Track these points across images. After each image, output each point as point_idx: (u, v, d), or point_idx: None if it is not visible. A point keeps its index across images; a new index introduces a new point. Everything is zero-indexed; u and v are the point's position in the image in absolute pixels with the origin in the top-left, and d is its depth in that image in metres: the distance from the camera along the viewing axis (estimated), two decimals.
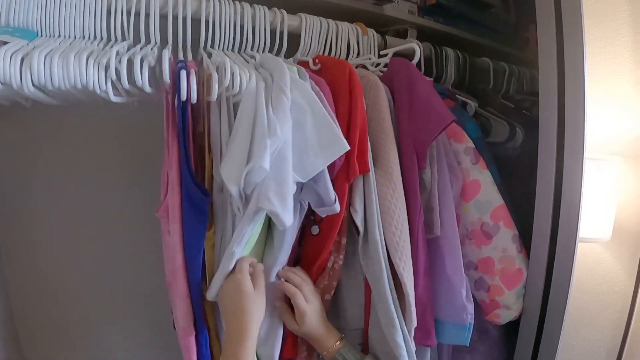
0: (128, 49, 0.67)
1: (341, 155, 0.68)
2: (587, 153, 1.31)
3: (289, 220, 0.63)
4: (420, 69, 0.97)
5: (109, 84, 0.61)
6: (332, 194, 0.70)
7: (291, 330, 0.74)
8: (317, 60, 0.82)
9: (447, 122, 0.75)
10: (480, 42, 1.16)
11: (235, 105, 0.68)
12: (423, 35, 1.07)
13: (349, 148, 0.68)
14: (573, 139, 0.87)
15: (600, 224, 1.32)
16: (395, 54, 0.91)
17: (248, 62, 0.76)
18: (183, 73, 0.61)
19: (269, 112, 0.63)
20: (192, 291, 0.67)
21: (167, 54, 0.64)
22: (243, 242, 0.65)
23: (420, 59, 0.93)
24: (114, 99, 0.63)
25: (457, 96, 0.95)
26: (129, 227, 1.08)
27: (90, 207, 1.08)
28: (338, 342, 0.73)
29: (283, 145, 0.63)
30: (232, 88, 0.65)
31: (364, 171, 0.74)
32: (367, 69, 0.89)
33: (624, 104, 1.42)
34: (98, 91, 0.61)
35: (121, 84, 0.62)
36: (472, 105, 0.95)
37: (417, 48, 0.92)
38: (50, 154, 1.03)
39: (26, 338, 1.08)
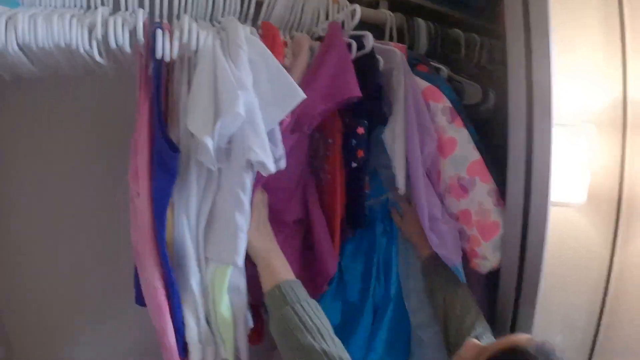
0: (110, 14, 0.69)
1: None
2: (560, 120, 1.37)
3: (272, 167, 0.67)
4: (392, 38, 1.00)
5: (94, 44, 0.63)
6: (282, 148, 0.72)
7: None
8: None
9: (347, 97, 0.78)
10: (453, 14, 1.19)
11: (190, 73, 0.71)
12: (396, 6, 1.10)
13: (305, 96, 0.70)
14: (541, 105, 0.91)
15: (574, 189, 1.37)
16: (367, 23, 0.94)
17: (213, 27, 0.78)
18: (159, 32, 0.62)
19: (231, 66, 0.64)
20: (161, 249, 0.69)
21: (141, 15, 0.66)
22: (248, 194, 0.68)
23: (392, 27, 0.96)
24: (98, 58, 0.65)
25: (433, 64, 0.98)
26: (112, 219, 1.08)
27: (72, 201, 1.08)
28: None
29: (250, 98, 0.65)
30: (190, 44, 0.68)
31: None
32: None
33: (596, 75, 1.49)
34: (82, 51, 0.62)
35: (107, 44, 0.64)
36: (445, 70, 0.98)
37: (388, 17, 0.94)
38: (27, 144, 1.03)
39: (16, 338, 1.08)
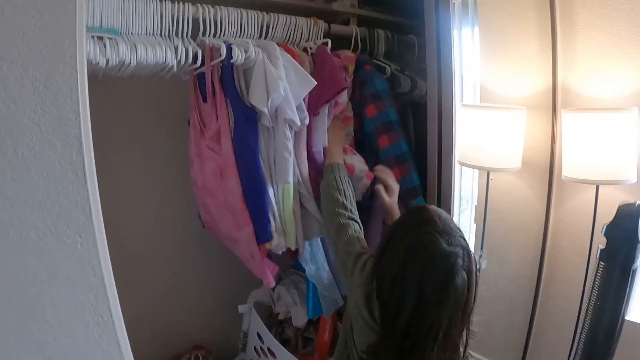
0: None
1: None
2: (499, 104, 1.76)
3: (298, 122, 1.18)
4: (357, 46, 1.45)
5: (175, 61, 1.10)
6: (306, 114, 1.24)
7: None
8: None
9: (338, 90, 1.26)
10: (408, 24, 1.61)
11: (245, 71, 1.19)
12: (364, 21, 1.54)
13: (316, 83, 1.19)
14: (449, 91, 1.31)
15: (510, 157, 1.75)
16: (338, 36, 1.40)
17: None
18: (234, 47, 1.12)
19: (273, 68, 1.14)
20: (259, 176, 1.18)
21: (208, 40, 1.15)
22: (290, 139, 1.18)
23: (356, 37, 1.42)
24: (176, 68, 1.12)
25: (376, 62, 1.43)
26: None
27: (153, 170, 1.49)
28: None
29: (285, 85, 1.14)
30: (251, 56, 1.16)
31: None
32: (307, 50, 1.36)
33: (530, 67, 1.80)
34: (170, 64, 1.09)
35: (186, 60, 1.12)
36: (389, 68, 1.42)
37: (354, 30, 1.40)
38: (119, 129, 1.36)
39: None
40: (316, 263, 1.37)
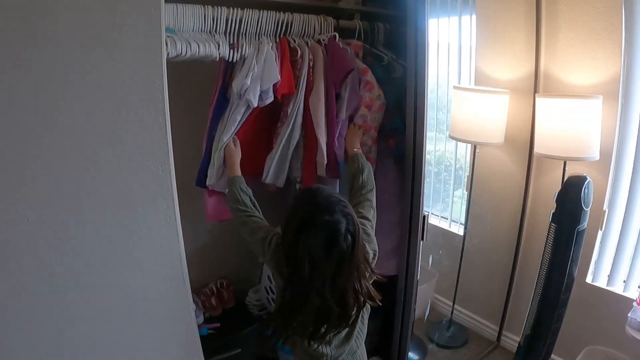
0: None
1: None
2: (485, 87, 2.02)
3: (255, 103, 1.49)
4: (360, 37, 1.75)
5: (218, 53, 1.43)
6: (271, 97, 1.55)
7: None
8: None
9: (347, 71, 1.57)
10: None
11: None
12: (368, 16, 1.83)
13: (279, 78, 1.50)
14: (419, 74, 1.56)
15: (494, 133, 2.03)
16: (345, 29, 1.70)
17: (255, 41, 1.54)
18: (231, 49, 1.47)
19: (254, 64, 1.46)
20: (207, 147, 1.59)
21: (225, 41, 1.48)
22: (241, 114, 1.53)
23: (359, 30, 1.73)
24: (218, 58, 1.45)
25: (375, 52, 1.73)
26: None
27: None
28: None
29: (255, 76, 1.47)
30: (244, 53, 1.49)
31: (290, 92, 1.58)
32: (321, 42, 1.66)
33: (517, 53, 2.04)
34: (214, 55, 1.42)
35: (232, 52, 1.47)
36: (386, 57, 1.72)
37: (357, 24, 1.71)
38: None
39: None
40: None
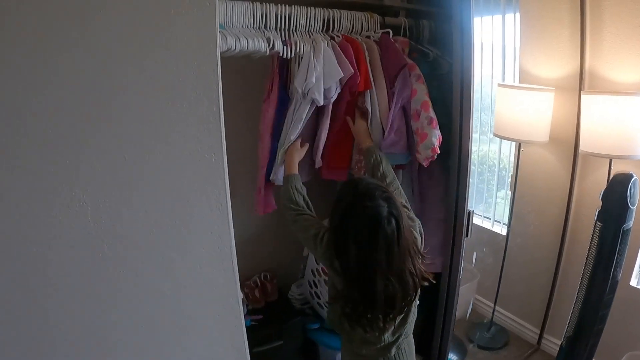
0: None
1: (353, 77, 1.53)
2: (531, 85, 1.99)
3: (321, 102, 1.51)
4: (405, 34, 1.77)
5: (267, 48, 1.46)
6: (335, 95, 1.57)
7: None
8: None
9: (401, 66, 1.58)
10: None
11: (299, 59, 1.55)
12: (413, 13, 1.84)
13: (342, 75, 1.51)
14: (466, 73, 1.58)
15: (538, 131, 2.00)
16: (391, 26, 1.72)
17: (309, 38, 1.57)
18: (285, 46, 1.48)
19: (314, 61, 1.48)
20: (273, 143, 1.60)
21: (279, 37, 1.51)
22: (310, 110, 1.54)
23: (405, 27, 1.74)
24: (268, 53, 1.46)
25: (421, 48, 1.74)
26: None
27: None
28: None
29: (318, 75, 1.49)
30: (300, 50, 1.51)
31: (367, 88, 1.59)
32: (370, 38, 1.68)
33: (561, 51, 2.02)
34: (263, 50, 1.45)
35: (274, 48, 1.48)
36: (431, 53, 1.73)
37: (403, 21, 1.72)
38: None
39: None
40: None
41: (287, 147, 1.58)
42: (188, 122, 1.22)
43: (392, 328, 1.22)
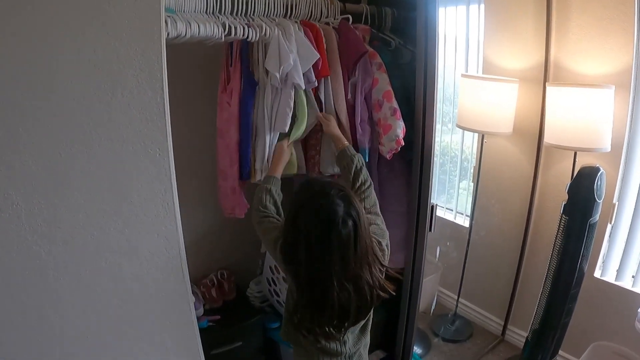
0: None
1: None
2: (494, 76, 1.96)
3: (303, 86, 1.43)
4: (367, 22, 1.70)
5: (223, 34, 1.35)
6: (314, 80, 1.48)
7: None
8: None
9: (361, 53, 1.51)
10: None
11: (266, 45, 1.45)
12: (376, 0, 1.77)
13: (319, 56, 1.43)
14: (429, 61, 1.51)
15: (502, 123, 1.98)
16: (351, 13, 1.64)
17: (272, 22, 1.50)
18: (251, 29, 1.38)
19: (287, 43, 1.39)
20: (245, 125, 1.49)
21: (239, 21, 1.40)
22: (292, 101, 1.45)
23: (366, 14, 1.67)
24: (223, 39, 1.35)
25: (383, 36, 1.67)
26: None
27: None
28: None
29: (295, 57, 1.40)
30: (266, 34, 1.42)
31: (326, 74, 1.52)
32: (329, 25, 1.60)
33: (526, 42, 1.99)
34: (217, 37, 1.33)
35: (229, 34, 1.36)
36: (393, 42, 1.66)
37: (365, 8, 1.65)
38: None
39: None
40: None
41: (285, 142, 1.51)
42: (130, 114, 1.12)
43: (352, 338, 1.17)
